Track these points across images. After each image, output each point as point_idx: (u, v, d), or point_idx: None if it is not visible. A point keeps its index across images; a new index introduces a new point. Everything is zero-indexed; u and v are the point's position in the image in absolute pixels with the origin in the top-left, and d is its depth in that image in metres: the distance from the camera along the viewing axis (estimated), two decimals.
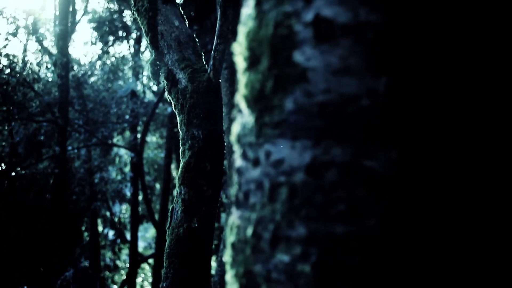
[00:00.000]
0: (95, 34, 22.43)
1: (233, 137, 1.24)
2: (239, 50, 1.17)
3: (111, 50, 24.98)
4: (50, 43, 21.13)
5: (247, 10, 1.18)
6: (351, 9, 1.00)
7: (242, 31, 1.18)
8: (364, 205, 1.00)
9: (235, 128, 1.23)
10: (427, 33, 0.97)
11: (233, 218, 1.22)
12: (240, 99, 1.18)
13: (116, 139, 23.73)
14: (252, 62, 1.13)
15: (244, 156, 1.17)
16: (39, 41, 20.31)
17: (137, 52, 23.39)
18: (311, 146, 1.04)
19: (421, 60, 0.97)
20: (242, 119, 1.19)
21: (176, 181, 4.33)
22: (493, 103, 0.98)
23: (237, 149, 1.22)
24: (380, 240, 0.99)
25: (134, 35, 22.83)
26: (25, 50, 21.44)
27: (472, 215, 0.98)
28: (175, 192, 4.27)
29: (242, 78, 1.17)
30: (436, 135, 0.98)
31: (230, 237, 1.22)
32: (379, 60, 0.99)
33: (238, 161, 1.21)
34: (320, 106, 1.03)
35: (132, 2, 4.38)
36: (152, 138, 27.44)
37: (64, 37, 16.39)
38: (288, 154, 1.07)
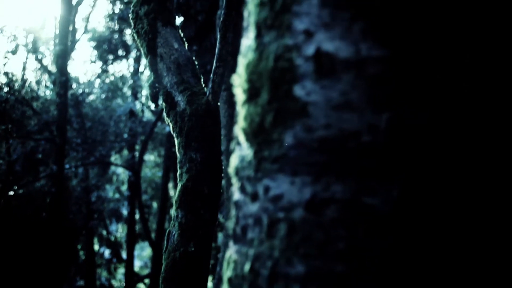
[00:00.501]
0: (95, 52, 22.46)
1: (231, 169, 1.22)
2: (239, 82, 1.15)
3: (111, 68, 25.03)
4: (49, 62, 21.16)
5: (247, 42, 1.16)
6: (352, 43, 0.99)
7: (242, 62, 1.16)
8: (364, 243, 0.98)
9: (234, 161, 1.21)
10: (430, 70, 0.96)
11: (230, 252, 1.19)
12: (238, 131, 1.16)
13: (114, 157, 23.69)
14: (252, 94, 1.11)
15: (242, 189, 1.15)
16: (39, 60, 20.33)
17: (136, 71, 23.42)
18: (311, 182, 1.02)
19: (424, 97, 0.96)
20: (241, 152, 1.17)
21: (173, 202, 4.30)
22: (496, 145, 0.96)
23: (235, 182, 1.20)
24: (380, 278, 0.97)
25: (133, 54, 22.86)
26: (24, 68, 21.45)
27: (473, 253, 0.96)
28: (171, 211, 4.25)
29: (241, 111, 1.15)
30: (438, 172, 0.96)
31: (227, 272, 1.19)
32: (380, 96, 0.97)
33: (236, 195, 1.19)
34: (321, 142, 1.01)
35: (132, 24, 4.37)
36: (150, 157, 27.43)
37: (63, 56, 16.40)
38: (287, 190, 1.05)
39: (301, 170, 1.03)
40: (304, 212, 1.03)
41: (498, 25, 0.96)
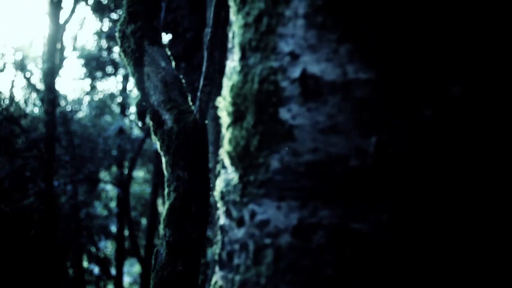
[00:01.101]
0: (84, 70, 22.43)
1: (216, 193, 1.20)
2: (223, 105, 1.13)
3: (99, 85, 25.02)
4: (37, 79, 21.11)
5: (232, 63, 1.14)
6: (339, 65, 0.97)
7: (226, 84, 1.14)
8: (353, 269, 0.96)
9: (219, 184, 1.19)
10: (417, 92, 0.94)
11: (216, 277, 1.17)
12: (224, 154, 1.14)
13: (103, 174, 23.60)
14: (237, 117, 1.09)
15: (228, 214, 1.13)
16: (27, 78, 20.27)
17: (124, 89, 23.39)
18: (298, 207, 1.00)
19: (412, 120, 0.94)
20: (226, 176, 1.14)
21: (161, 220, 4.27)
22: (485, 167, 0.94)
23: (220, 206, 1.17)
24: None
25: (122, 71, 22.84)
26: (12, 86, 21.38)
27: (466, 276, 0.94)
28: (160, 228, 4.21)
29: (226, 134, 1.12)
30: (428, 195, 0.94)
31: None
32: (368, 119, 0.95)
33: (222, 219, 1.16)
34: (307, 166, 0.99)
35: (119, 42, 4.35)
36: (139, 173, 27.35)
37: (51, 73, 16.37)
38: (273, 215, 1.03)
39: (287, 195, 1.01)
40: (291, 238, 1.00)
41: (486, 52, 0.94)
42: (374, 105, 0.95)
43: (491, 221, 0.94)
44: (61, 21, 17.97)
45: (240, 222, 1.09)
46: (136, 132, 23.56)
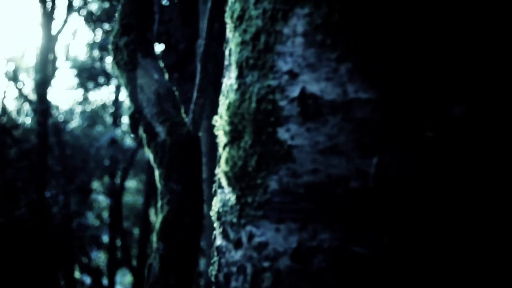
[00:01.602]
0: (76, 80, 22.40)
1: (213, 213, 1.17)
2: (220, 123, 1.11)
3: (92, 95, 25.00)
4: (30, 90, 21.09)
5: (229, 81, 1.12)
6: (339, 85, 0.94)
7: (223, 103, 1.11)
8: None
9: (215, 204, 1.16)
10: (419, 114, 0.91)
11: None
12: (220, 174, 1.12)
13: (95, 184, 23.54)
14: (234, 137, 1.06)
15: (225, 235, 1.10)
16: (19, 88, 20.23)
17: (117, 99, 23.36)
18: (297, 230, 0.98)
19: (413, 141, 0.91)
20: (223, 196, 1.12)
21: (154, 233, 4.23)
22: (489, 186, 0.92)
23: (217, 227, 1.15)
24: None
25: (114, 81, 22.81)
26: (4, 97, 21.33)
27: None
28: (153, 240, 4.18)
29: (223, 153, 1.10)
30: (429, 219, 0.91)
31: None
32: (369, 140, 0.93)
33: (219, 240, 1.14)
34: (307, 187, 0.96)
35: (112, 55, 4.33)
36: (132, 183, 27.29)
37: (43, 84, 16.32)
38: (272, 238, 1.00)
39: (286, 217, 0.99)
40: (291, 261, 0.98)
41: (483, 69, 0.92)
42: (375, 125, 0.92)
43: (492, 246, 0.92)
44: (54, 31, 17.93)
45: (237, 244, 1.06)
46: (129, 142, 23.53)
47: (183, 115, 4.36)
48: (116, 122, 22.49)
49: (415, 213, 0.91)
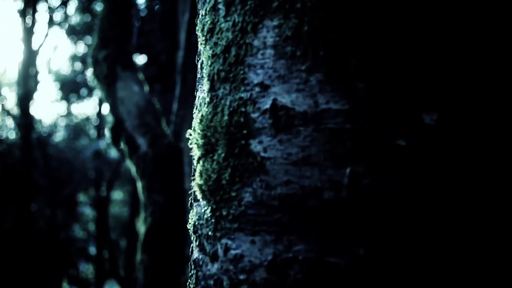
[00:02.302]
0: (59, 93, 22.35)
1: (189, 225, 1.17)
2: (194, 136, 1.10)
3: (75, 108, 24.96)
4: (13, 105, 21.02)
5: (201, 94, 1.12)
6: (310, 96, 0.94)
7: (196, 116, 1.11)
8: None
9: (192, 217, 1.16)
10: (391, 124, 0.91)
11: None
12: (196, 187, 1.11)
13: (82, 197, 23.46)
14: (207, 150, 1.06)
15: (201, 248, 1.10)
16: (1, 104, 20.16)
17: (100, 111, 23.31)
18: (272, 242, 0.97)
19: (386, 150, 0.91)
20: (198, 209, 1.12)
21: (139, 245, 4.22)
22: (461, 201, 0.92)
23: (193, 240, 1.14)
24: None
25: (98, 93, 22.76)
26: None
27: None
28: (138, 252, 4.17)
29: (197, 166, 1.10)
30: (403, 229, 0.91)
31: None
32: (341, 150, 0.92)
33: (195, 253, 1.13)
34: (281, 199, 0.96)
35: (92, 68, 4.32)
36: (118, 195, 27.21)
37: (26, 98, 16.28)
38: (247, 250, 1.00)
39: (261, 229, 0.98)
40: (266, 273, 0.97)
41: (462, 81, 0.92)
42: (347, 136, 0.92)
43: (471, 262, 0.92)
44: (35, 46, 17.91)
45: (213, 257, 1.06)
46: (113, 153, 23.48)
47: (165, 127, 4.36)
48: (100, 134, 22.44)
49: (389, 222, 0.91)
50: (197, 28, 1.15)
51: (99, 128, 22.67)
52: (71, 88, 21.84)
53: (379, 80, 0.92)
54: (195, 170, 1.12)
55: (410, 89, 0.91)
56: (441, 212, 0.91)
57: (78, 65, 21.77)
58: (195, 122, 1.10)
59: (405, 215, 0.91)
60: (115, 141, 4.09)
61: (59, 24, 19.06)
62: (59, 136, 21.74)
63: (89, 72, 21.37)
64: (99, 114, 23.10)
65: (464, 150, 0.92)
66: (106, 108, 23.43)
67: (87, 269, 25.76)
